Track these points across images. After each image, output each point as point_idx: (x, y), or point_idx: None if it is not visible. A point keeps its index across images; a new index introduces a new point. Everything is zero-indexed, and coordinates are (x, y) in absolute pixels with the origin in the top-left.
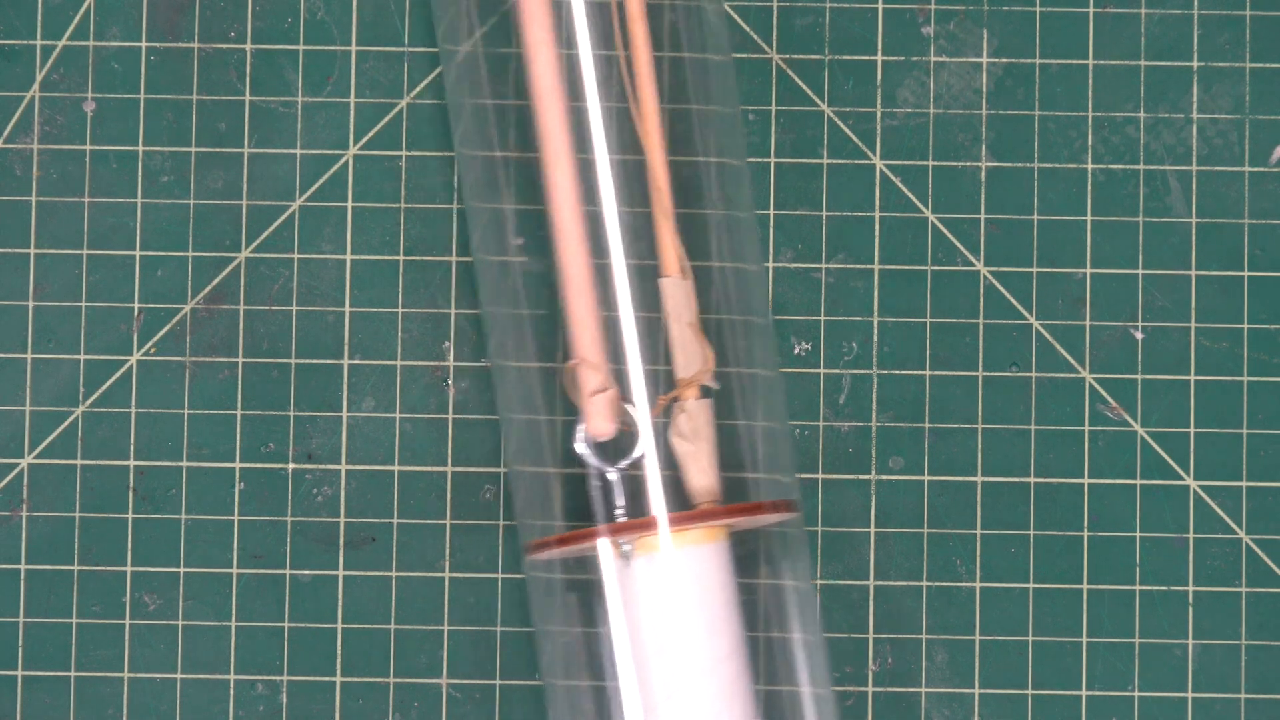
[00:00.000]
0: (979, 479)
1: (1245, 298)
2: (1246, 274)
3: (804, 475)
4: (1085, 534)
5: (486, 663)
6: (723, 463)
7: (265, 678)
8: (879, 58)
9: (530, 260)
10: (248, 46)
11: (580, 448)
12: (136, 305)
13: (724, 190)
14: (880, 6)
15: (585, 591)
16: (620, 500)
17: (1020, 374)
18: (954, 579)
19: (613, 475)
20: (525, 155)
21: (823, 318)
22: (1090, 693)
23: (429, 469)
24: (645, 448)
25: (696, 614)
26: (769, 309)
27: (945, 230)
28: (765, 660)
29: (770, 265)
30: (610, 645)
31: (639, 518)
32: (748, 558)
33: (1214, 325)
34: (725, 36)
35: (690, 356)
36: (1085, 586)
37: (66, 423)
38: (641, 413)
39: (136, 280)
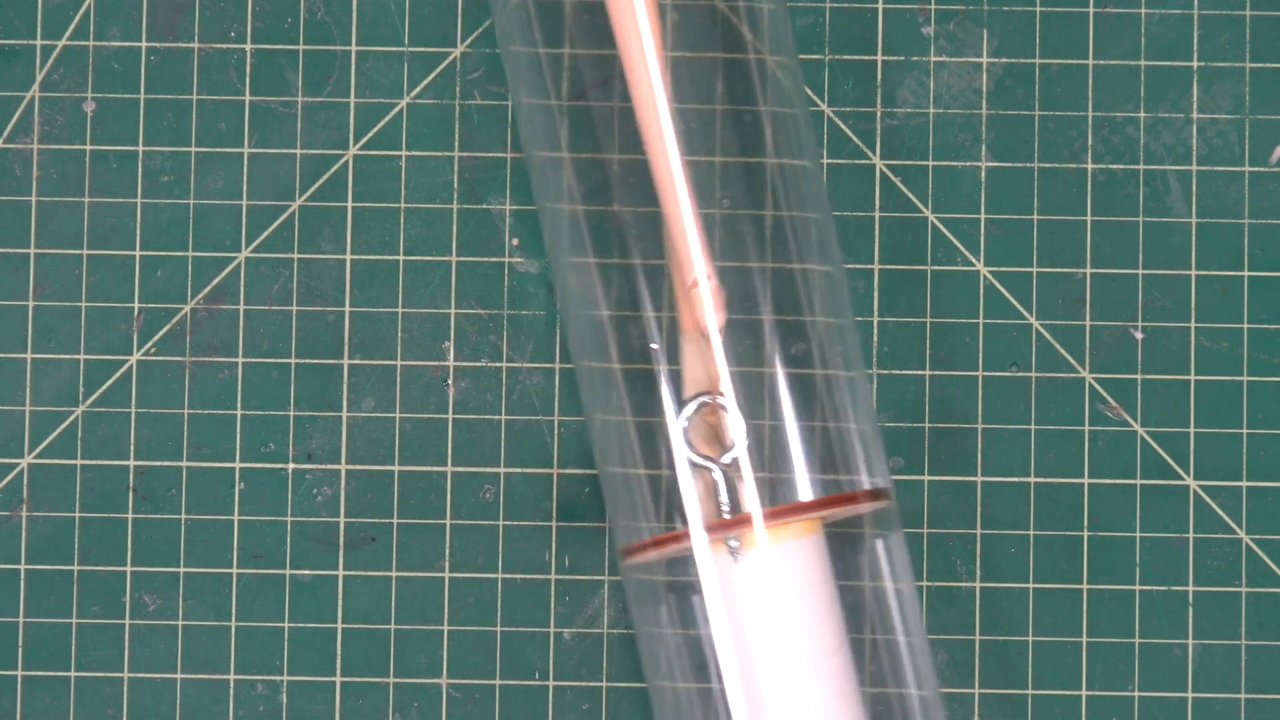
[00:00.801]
0: (979, 479)
1: (1245, 298)
2: (1246, 274)
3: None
4: (1085, 534)
5: (486, 663)
6: (816, 463)
7: (265, 678)
8: (879, 58)
9: (611, 259)
10: (248, 46)
11: (685, 441)
12: (136, 305)
13: (806, 191)
14: (880, 6)
15: (680, 591)
16: (725, 496)
17: (1020, 374)
18: (954, 579)
19: (716, 470)
20: (586, 156)
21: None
22: (1090, 693)
23: (429, 469)
24: (741, 444)
25: (799, 609)
26: (851, 309)
27: (945, 230)
28: (869, 660)
29: (769, 265)
30: (713, 645)
31: (733, 515)
32: (845, 557)
33: (1214, 325)
34: (791, 37)
35: (695, 368)
36: (1085, 586)
37: (66, 423)
38: (734, 413)
39: (136, 280)
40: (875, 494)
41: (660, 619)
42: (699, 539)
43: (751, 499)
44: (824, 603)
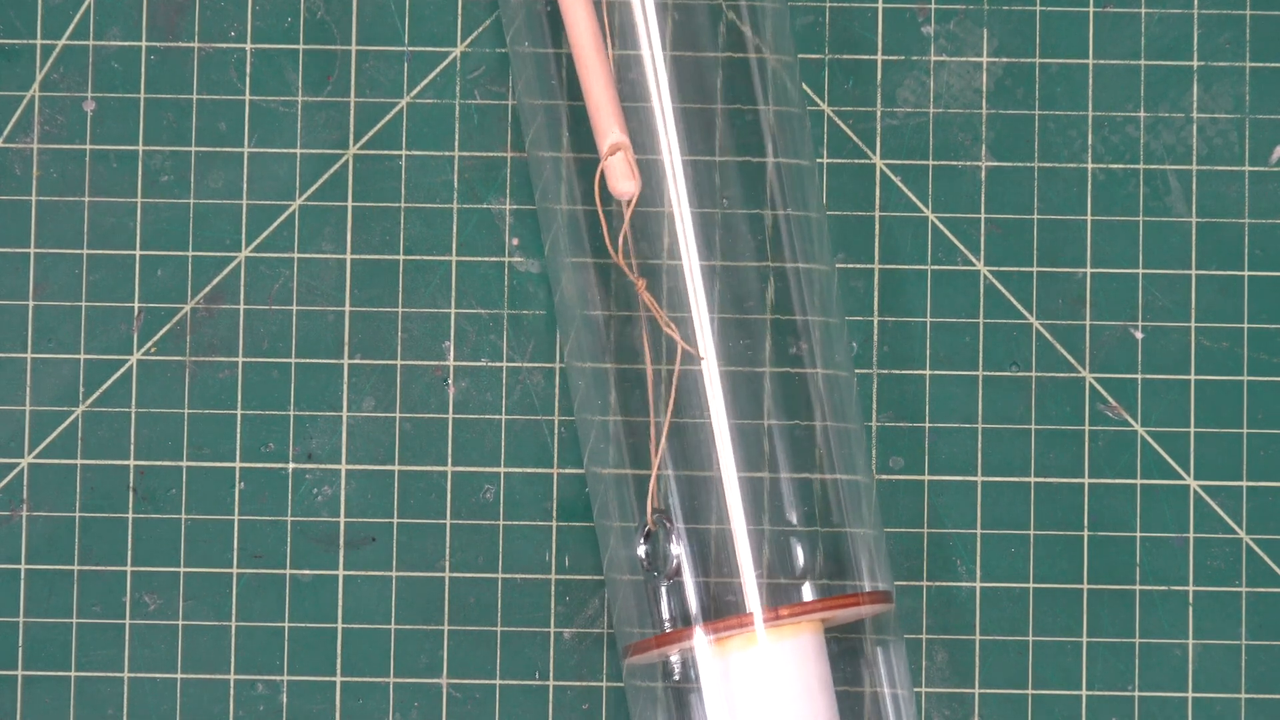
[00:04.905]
0: (979, 479)
1: (1245, 298)
2: (1246, 274)
3: (802, 475)
4: (1085, 534)
5: (486, 663)
6: (821, 568)
7: (265, 678)
8: (879, 58)
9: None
10: (248, 46)
11: (640, 552)
12: (136, 305)
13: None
14: (880, 6)
15: (684, 691)
16: (665, 611)
17: (1020, 374)
18: (954, 579)
19: (661, 586)
20: (583, 153)
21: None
22: (1090, 693)
23: (429, 469)
24: (682, 555)
25: (794, 707)
26: (859, 412)
27: (945, 230)
28: None
29: (769, 265)
30: None
31: (737, 613)
32: (843, 656)
33: (1214, 325)
34: (790, 36)
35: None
36: (1085, 586)
37: (66, 423)
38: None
39: (136, 280)
40: (876, 597)
41: (658, 711)
42: (700, 640)
43: (752, 597)
44: (818, 700)
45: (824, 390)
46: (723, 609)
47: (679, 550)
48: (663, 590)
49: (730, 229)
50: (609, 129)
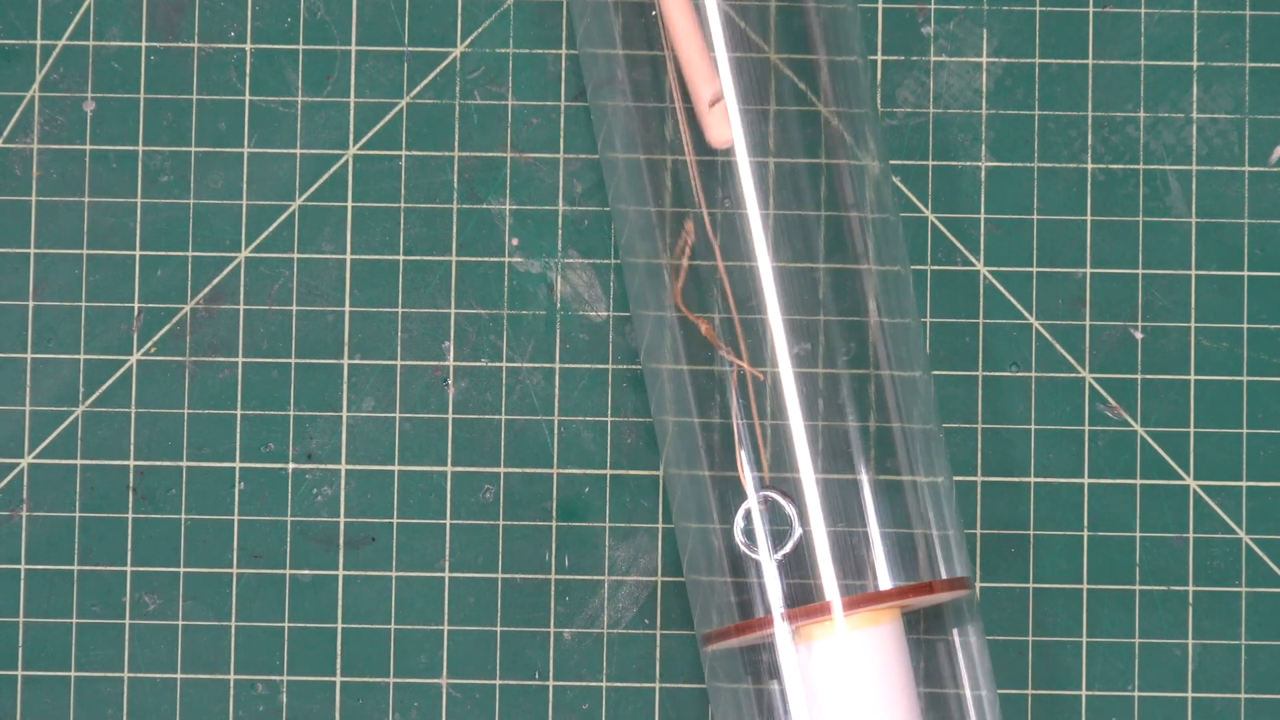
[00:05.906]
0: (979, 479)
1: (1245, 298)
2: (1246, 274)
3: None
4: (1085, 534)
5: (486, 663)
6: (898, 545)
7: (265, 678)
8: (879, 58)
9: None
10: (248, 46)
11: (740, 539)
12: (136, 305)
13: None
14: (880, 6)
15: (763, 679)
16: (777, 592)
17: (1020, 374)
18: None
19: (771, 565)
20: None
21: (822, 317)
22: (1090, 693)
23: (429, 469)
24: (801, 534)
25: (875, 696)
26: (938, 415)
27: (945, 230)
28: None
29: (770, 265)
30: None
31: (813, 603)
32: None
33: (1214, 325)
34: (861, 41)
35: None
36: (1085, 586)
37: (66, 423)
38: (812, 497)
39: (136, 280)
40: (954, 583)
41: (739, 703)
42: (781, 630)
43: (831, 587)
44: (898, 689)
45: (899, 388)
46: (801, 599)
47: (798, 527)
48: (769, 569)
49: (806, 229)
50: (708, 79)
